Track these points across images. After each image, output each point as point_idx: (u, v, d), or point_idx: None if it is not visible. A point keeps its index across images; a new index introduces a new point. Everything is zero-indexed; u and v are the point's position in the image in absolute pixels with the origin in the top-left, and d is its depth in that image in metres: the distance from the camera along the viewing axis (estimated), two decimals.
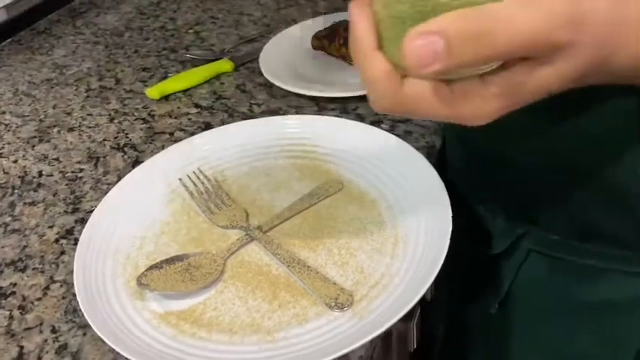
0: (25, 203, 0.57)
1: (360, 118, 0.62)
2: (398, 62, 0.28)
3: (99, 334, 0.41)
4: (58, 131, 0.67)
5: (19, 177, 0.61)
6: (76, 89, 0.75)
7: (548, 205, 0.47)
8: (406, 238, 0.46)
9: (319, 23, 0.76)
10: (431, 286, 0.41)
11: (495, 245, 0.50)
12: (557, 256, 0.48)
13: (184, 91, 0.71)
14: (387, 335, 0.55)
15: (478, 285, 0.54)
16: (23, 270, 0.50)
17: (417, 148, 0.53)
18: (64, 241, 0.52)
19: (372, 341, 0.40)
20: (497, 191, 0.51)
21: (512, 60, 0.26)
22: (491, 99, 0.27)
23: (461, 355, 0.59)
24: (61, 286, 0.48)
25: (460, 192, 0.50)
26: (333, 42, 0.71)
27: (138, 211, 0.52)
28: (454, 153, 0.56)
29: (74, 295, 0.45)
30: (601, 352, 0.47)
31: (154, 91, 0.70)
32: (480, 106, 0.27)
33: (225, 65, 0.74)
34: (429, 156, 0.55)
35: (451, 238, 0.42)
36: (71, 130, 0.67)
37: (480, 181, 0.52)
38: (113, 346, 0.40)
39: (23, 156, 0.64)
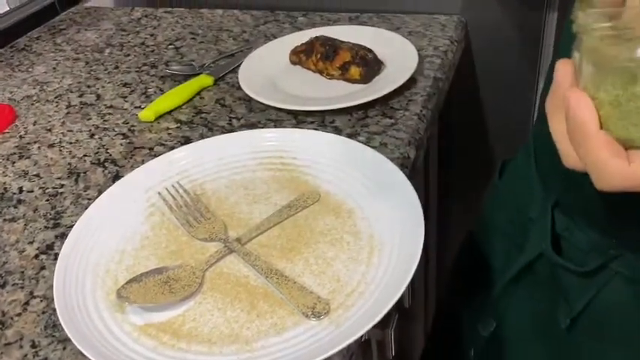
0: (5, 219, 0.58)
1: (337, 131, 0.63)
2: (624, 137, 0.29)
3: (79, 347, 0.41)
4: (39, 147, 0.68)
5: None
6: (57, 105, 0.75)
7: None
8: (381, 246, 0.48)
9: (297, 39, 0.78)
10: (408, 293, 0.42)
11: (584, 262, 0.48)
12: None
13: None
14: (365, 342, 0.56)
15: (545, 293, 0.52)
16: (3, 286, 0.50)
17: (392, 159, 0.55)
18: (44, 257, 0.53)
19: (348, 348, 0.42)
20: (591, 212, 0.47)
21: None
22: None
23: (506, 353, 0.58)
24: (41, 301, 0.49)
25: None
26: (311, 57, 0.73)
27: (118, 226, 0.52)
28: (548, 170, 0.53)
29: (54, 309, 0.46)
30: None
31: (147, 113, 0.69)
32: None
33: (206, 80, 0.75)
34: (403, 167, 0.56)
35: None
36: (51, 146, 0.68)
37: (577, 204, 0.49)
38: None
39: (3, 172, 0.64)
